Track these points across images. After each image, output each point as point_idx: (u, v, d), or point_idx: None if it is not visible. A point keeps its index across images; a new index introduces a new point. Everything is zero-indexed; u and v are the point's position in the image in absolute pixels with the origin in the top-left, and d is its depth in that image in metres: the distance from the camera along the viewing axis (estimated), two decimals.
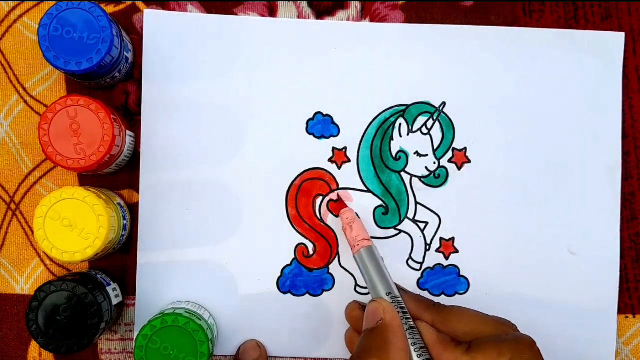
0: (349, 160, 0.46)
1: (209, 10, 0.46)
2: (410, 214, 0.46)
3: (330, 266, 0.46)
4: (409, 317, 0.38)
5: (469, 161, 0.46)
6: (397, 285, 0.40)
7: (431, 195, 0.46)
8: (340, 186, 0.46)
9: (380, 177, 0.46)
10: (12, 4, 0.46)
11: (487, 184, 0.46)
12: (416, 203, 0.46)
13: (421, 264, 0.46)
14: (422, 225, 0.46)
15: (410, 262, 0.46)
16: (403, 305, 0.39)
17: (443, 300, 0.45)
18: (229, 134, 0.45)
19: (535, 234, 0.46)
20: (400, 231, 0.46)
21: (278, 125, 0.46)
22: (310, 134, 0.46)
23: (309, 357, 0.46)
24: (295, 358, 0.46)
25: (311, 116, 0.46)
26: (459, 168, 0.46)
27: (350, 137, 0.46)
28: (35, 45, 0.45)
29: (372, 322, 0.37)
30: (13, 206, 0.45)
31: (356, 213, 0.44)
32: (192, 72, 0.45)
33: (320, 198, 0.46)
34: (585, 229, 0.46)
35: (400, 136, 0.46)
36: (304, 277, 0.45)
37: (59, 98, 0.40)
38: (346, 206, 0.45)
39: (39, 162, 0.45)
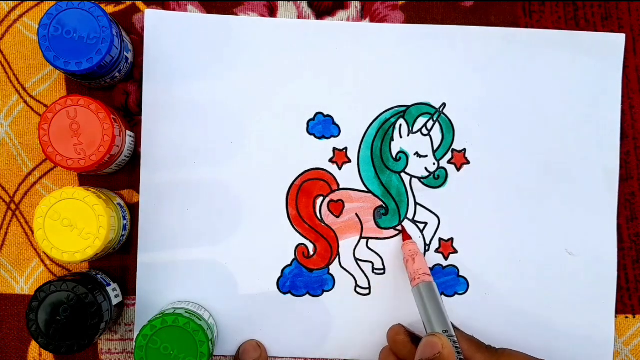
0: (349, 161, 0.46)
1: (209, 11, 0.46)
2: (410, 215, 0.46)
3: (331, 267, 0.46)
4: (462, 357, 0.39)
5: (468, 162, 0.46)
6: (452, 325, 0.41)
7: (431, 196, 0.46)
8: (340, 187, 0.46)
9: (381, 178, 0.46)
10: (12, 4, 0.46)
11: (485, 185, 0.46)
12: (416, 204, 0.46)
13: None
14: (421, 226, 0.46)
15: None
16: (457, 345, 0.39)
17: (442, 300, 0.45)
18: (229, 134, 0.45)
19: (533, 234, 0.46)
20: (400, 232, 0.46)
21: (278, 126, 0.46)
22: (310, 134, 0.46)
23: (308, 357, 0.46)
24: (295, 358, 0.46)
25: (312, 116, 0.46)
26: (458, 169, 0.46)
27: (350, 138, 0.46)
28: (35, 45, 0.45)
29: (429, 354, 0.38)
30: (13, 206, 0.45)
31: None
32: (192, 72, 0.45)
33: (321, 198, 0.46)
34: (583, 230, 0.46)
35: (401, 137, 0.46)
36: (304, 277, 0.45)
37: (59, 98, 0.40)
38: (409, 238, 0.45)
39: (39, 162, 0.45)
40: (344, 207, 0.46)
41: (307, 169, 0.46)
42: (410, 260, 0.43)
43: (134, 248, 0.45)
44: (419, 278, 0.42)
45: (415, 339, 0.43)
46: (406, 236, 0.45)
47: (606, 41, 0.47)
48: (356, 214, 0.46)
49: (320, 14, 0.47)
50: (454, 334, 0.40)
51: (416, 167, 0.46)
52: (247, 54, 0.46)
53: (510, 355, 0.40)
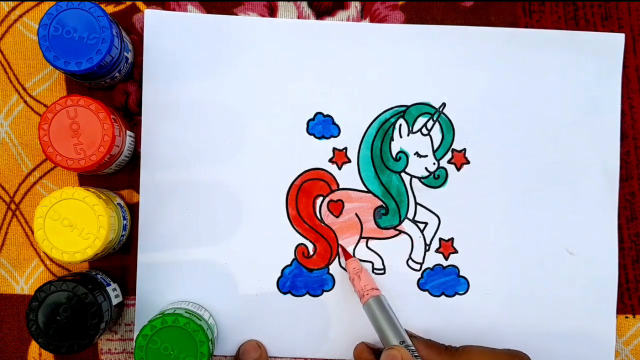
0: (349, 161, 0.46)
1: (209, 11, 0.46)
2: (410, 215, 0.46)
3: (331, 266, 0.46)
4: None
5: (468, 162, 0.46)
6: (407, 332, 0.41)
7: (431, 195, 0.46)
8: (340, 187, 0.46)
9: (381, 178, 0.46)
10: (12, 4, 0.46)
11: (485, 184, 0.46)
12: (416, 203, 0.46)
13: (421, 264, 0.46)
14: (421, 226, 0.46)
15: (410, 262, 0.46)
16: (417, 355, 0.40)
17: (443, 300, 0.46)
18: (229, 134, 0.45)
19: (534, 234, 0.46)
20: (400, 231, 0.46)
21: (278, 126, 0.46)
22: (310, 134, 0.46)
23: (308, 357, 0.46)
24: (295, 358, 0.46)
25: (312, 116, 0.46)
26: (458, 169, 0.46)
27: (350, 138, 0.46)
28: (35, 45, 0.45)
29: None
30: (13, 206, 0.45)
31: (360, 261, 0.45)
32: (192, 72, 0.45)
33: (321, 198, 0.46)
34: (583, 230, 0.46)
35: (401, 137, 0.46)
36: (304, 277, 0.45)
37: (59, 98, 0.40)
38: (351, 256, 0.45)
39: (39, 162, 0.45)
40: (343, 207, 0.46)
41: (307, 169, 0.46)
42: (355, 278, 0.43)
43: (134, 248, 0.45)
44: (367, 294, 0.42)
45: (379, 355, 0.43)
46: (347, 255, 0.45)
47: (606, 41, 0.47)
48: (356, 214, 0.46)
49: (320, 14, 0.47)
50: (410, 342, 0.40)
51: (416, 166, 0.46)
52: (247, 54, 0.46)
53: (470, 351, 0.40)
